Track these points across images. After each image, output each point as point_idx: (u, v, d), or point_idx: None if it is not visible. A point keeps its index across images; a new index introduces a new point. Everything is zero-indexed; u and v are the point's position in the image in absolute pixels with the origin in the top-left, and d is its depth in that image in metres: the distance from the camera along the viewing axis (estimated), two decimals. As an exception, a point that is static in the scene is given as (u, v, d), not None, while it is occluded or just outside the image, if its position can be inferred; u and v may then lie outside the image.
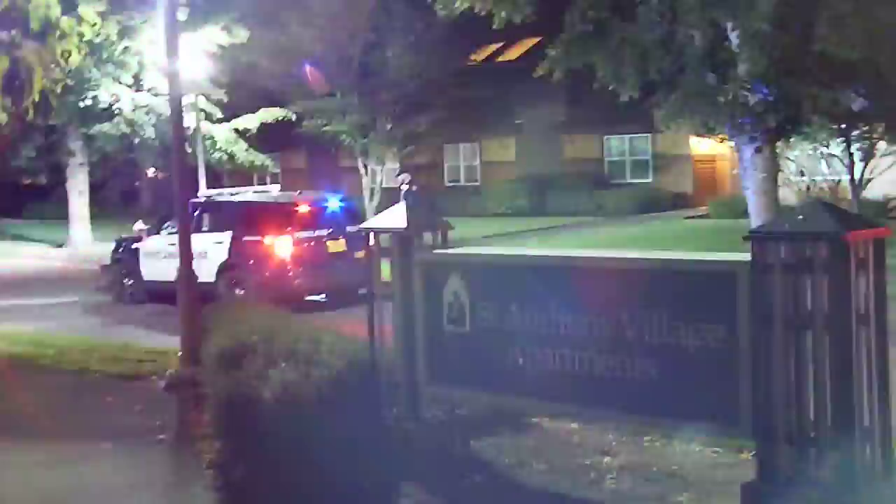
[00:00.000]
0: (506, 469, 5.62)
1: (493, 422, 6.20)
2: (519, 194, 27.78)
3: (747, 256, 4.42)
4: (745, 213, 12.69)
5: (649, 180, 27.72)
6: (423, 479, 5.39)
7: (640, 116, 21.48)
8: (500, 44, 29.07)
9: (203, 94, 20.61)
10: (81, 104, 20.95)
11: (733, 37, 10.60)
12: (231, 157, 23.47)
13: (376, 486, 5.15)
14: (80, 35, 17.72)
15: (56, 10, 16.36)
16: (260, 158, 24.27)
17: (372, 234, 6.45)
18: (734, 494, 4.45)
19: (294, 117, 24.42)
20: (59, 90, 18.54)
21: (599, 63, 11.59)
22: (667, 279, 4.84)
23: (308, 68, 23.52)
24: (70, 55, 17.86)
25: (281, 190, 16.44)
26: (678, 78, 11.06)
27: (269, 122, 23.90)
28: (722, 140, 17.76)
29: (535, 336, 5.29)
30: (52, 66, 16.08)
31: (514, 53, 29.15)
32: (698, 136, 22.46)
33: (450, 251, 6.17)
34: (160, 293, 12.82)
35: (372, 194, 25.33)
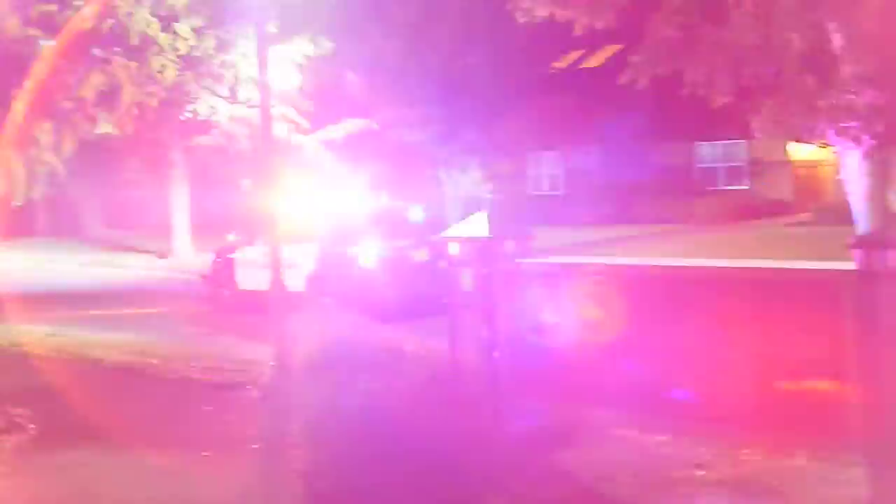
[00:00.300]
0: (591, 481, 5.50)
1: (577, 433, 6.10)
2: (604, 202, 27.36)
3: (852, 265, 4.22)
4: (850, 220, 12.08)
5: (745, 187, 26.85)
6: (506, 490, 5.34)
7: (733, 122, 20.79)
8: (583, 51, 28.74)
9: (292, 106, 21.12)
10: (182, 117, 21.81)
11: (837, 38, 10.10)
12: (318, 167, 23.94)
13: (459, 496, 5.15)
14: (177, 50, 18.41)
15: (155, 27, 17.09)
16: (344, 169, 24.67)
17: (455, 243, 6.46)
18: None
19: (378, 127, 24.77)
20: (154, 104, 19.30)
21: (689, 69, 11.25)
22: (771, 287, 4.66)
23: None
24: (166, 69, 18.57)
25: (364, 200, 16.69)
26: (776, 82, 10.61)
27: (354, 132, 24.30)
28: (824, 145, 17.02)
29: (623, 346, 5.19)
30: (146, 80, 16.73)
31: (596, 60, 28.75)
32: (798, 141, 21.64)
33: (532, 260, 6.13)
34: (255, 303, 13.19)
35: (454, 203, 25.45)
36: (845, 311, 4.16)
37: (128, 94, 4.20)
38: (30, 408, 7.63)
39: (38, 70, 3.38)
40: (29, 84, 3.31)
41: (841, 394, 4.36)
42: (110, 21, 3.83)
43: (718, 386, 4.86)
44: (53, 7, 3.64)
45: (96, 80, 3.70)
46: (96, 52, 3.89)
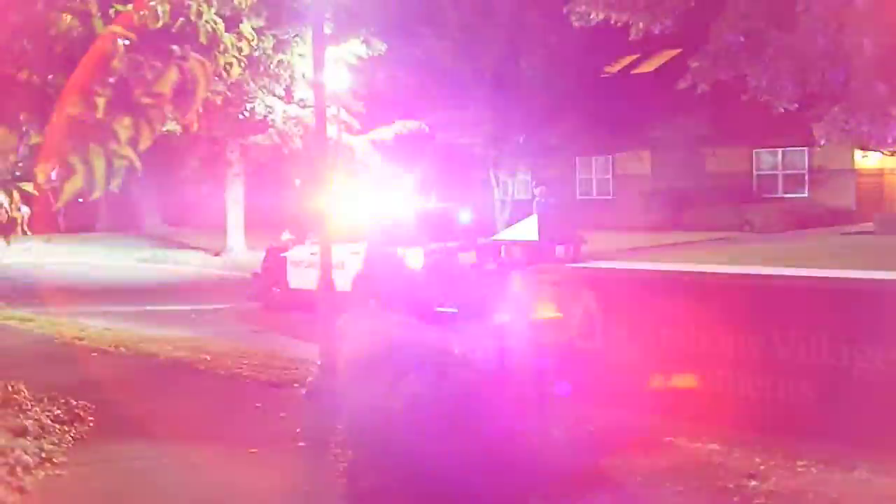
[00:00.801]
0: (638, 488, 5.42)
1: (624, 439, 6.01)
2: (654, 208, 26.99)
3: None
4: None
5: (805, 195, 26.21)
6: (552, 495, 5.29)
7: (794, 129, 20.38)
8: (636, 56, 28.43)
9: (343, 106, 21.31)
10: (240, 116, 22.15)
11: None
12: (368, 167, 24.09)
13: (504, 498, 5.11)
14: (240, 50, 18.72)
15: (221, 26, 17.38)
16: (394, 170, 24.75)
17: (504, 246, 6.43)
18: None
19: (427, 129, 24.84)
20: (219, 102, 19.74)
21: (753, 74, 11.02)
22: (831, 297, 4.54)
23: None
24: (231, 68, 18.88)
25: (412, 201, 16.71)
26: (843, 89, 10.33)
27: (403, 133, 24.38)
28: (893, 153, 16.52)
29: (671, 353, 5.10)
30: (216, 78, 17.08)
31: (650, 65, 28.43)
32: (863, 149, 21.09)
33: (582, 265, 6.07)
34: (305, 301, 13.34)
35: (503, 206, 25.38)
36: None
37: (202, 91, 4.32)
38: (89, 400, 7.81)
39: (118, 66, 3.51)
40: (109, 79, 3.46)
41: None
42: (181, 20, 3.92)
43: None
44: (130, 7, 3.76)
45: (173, 76, 3.83)
46: (175, 48, 4.01)
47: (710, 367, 4.99)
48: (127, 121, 3.58)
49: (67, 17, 3.31)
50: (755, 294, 4.95)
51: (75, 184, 3.42)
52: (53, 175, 3.51)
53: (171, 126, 3.52)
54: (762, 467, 5.49)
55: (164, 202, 37.11)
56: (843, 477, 5.18)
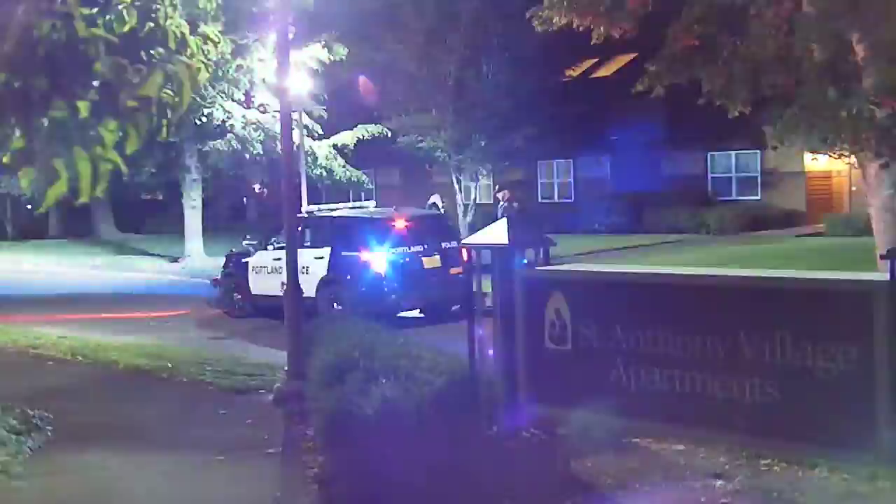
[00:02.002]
0: (608, 490, 5.49)
1: (594, 442, 6.07)
2: (614, 211, 27.35)
3: (880, 276, 4.21)
4: (863, 231, 11.99)
5: (758, 197, 26.76)
6: (523, 499, 5.33)
7: (747, 132, 20.77)
8: (595, 59, 28.79)
9: (305, 111, 21.22)
10: (198, 122, 21.91)
11: (859, 49, 10.07)
12: (329, 172, 24.01)
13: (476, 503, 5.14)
14: (206, 53, 18.58)
15: (186, 29, 17.18)
16: (356, 174, 24.74)
17: (473, 250, 6.45)
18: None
19: (389, 133, 24.84)
20: (184, 108, 19.50)
21: (707, 79, 11.24)
22: (792, 298, 4.65)
23: (361, 79, 23.95)
24: (199, 73, 18.73)
25: (376, 206, 16.75)
26: (794, 93, 10.58)
27: (365, 137, 24.37)
28: (840, 156, 16.91)
29: (641, 355, 5.17)
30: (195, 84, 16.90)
31: (609, 69, 28.80)
32: (813, 152, 21.54)
33: (552, 268, 6.11)
34: (268, 307, 13.23)
35: (466, 210, 25.49)
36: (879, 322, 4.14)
37: (188, 94, 4.22)
38: (46, 409, 7.65)
39: (101, 69, 3.42)
40: (93, 83, 3.37)
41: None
42: (149, 24, 3.83)
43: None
44: (95, 10, 3.67)
45: (158, 79, 3.74)
46: (161, 51, 3.92)
47: (674, 368, 5.06)
48: (112, 125, 3.53)
49: (48, 22, 3.25)
50: (712, 295, 5.05)
51: (59, 189, 3.36)
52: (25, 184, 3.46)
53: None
54: (727, 467, 5.62)
55: (118, 208, 36.47)
56: (806, 475, 5.34)
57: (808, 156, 24.30)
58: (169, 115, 3.65)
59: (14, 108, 3.41)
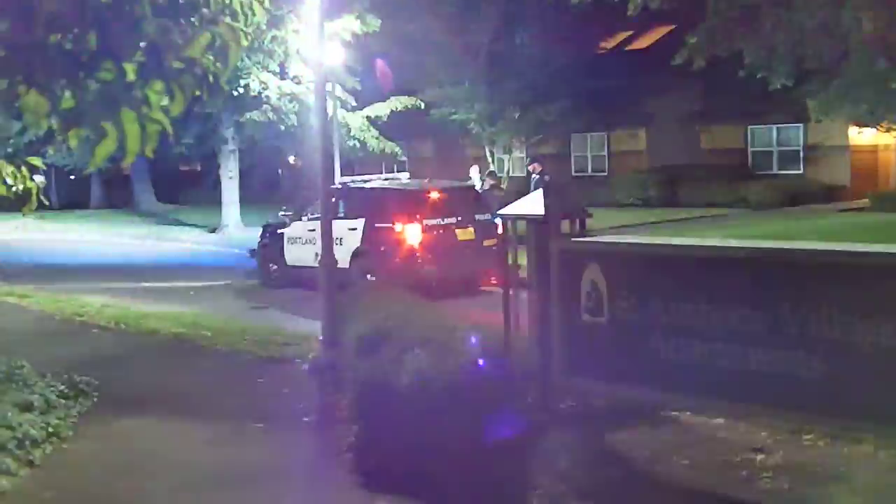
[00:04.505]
0: (644, 463, 5.47)
1: (629, 415, 6.05)
2: (649, 185, 26.95)
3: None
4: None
5: (800, 172, 26.21)
6: (556, 471, 5.33)
7: (789, 105, 20.30)
8: (631, 32, 28.28)
9: (339, 83, 21.18)
10: (234, 92, 22.01)
11: None
12: (363, 144, 23.99)
13: (509, 476, 5.15)
14: (249, 17, 18.62)
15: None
16: (390, 146, 24.70)
17: (506, 222, 6.42)
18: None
19: (423, 106, 24.73)
20: (227, 74, 19.63)
21: (749, 50, 10.99)
22: (837, 271, 4.56)
23: (379, 63, 23.78)
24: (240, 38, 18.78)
25: (409, 178, 16.68)
26: (841, 64, 10.32)
27: (399, 109, 24.28)
28: (889, 129, 16.51)
29: (680, 328, 5.11)
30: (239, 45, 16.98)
31: (645, 42, 28.26)
32: (859, 125, 21.04)
33: (589, 239, 6.07)
34: (302, 278, 13.33)
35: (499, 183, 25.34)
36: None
37: (234, 56, 4.23)
38: (92, 376, 7.83)
39: (148, 30, 3.45)
40: (140, 44, 3.41)
41: None
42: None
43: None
44: None
45: (204, 41, 3.76)
46: (206, 12, 3.93)
47: (714, 341, 5.01)
48: (158, 85, 3.57)
49: None
50: (754, 267, 4.96)
51: (108, 147, 3.41)
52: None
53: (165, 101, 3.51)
54: (768, 441, 5.54)
55: (157, 179, 36.96)
56: (851, 450, 5.24)
57: (852, 129, 23.73)
58: (214, 77, 3.68)
59: (64, 69, 3.45)
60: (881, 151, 25.46)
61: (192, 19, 3.65)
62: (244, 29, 4.05)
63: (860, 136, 24.51)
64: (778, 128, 26.52)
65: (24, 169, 4.47)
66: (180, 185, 39.28)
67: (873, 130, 22.40)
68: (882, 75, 10.06)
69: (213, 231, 25.69)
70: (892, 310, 4.27)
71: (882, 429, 4.56)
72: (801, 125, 25.26)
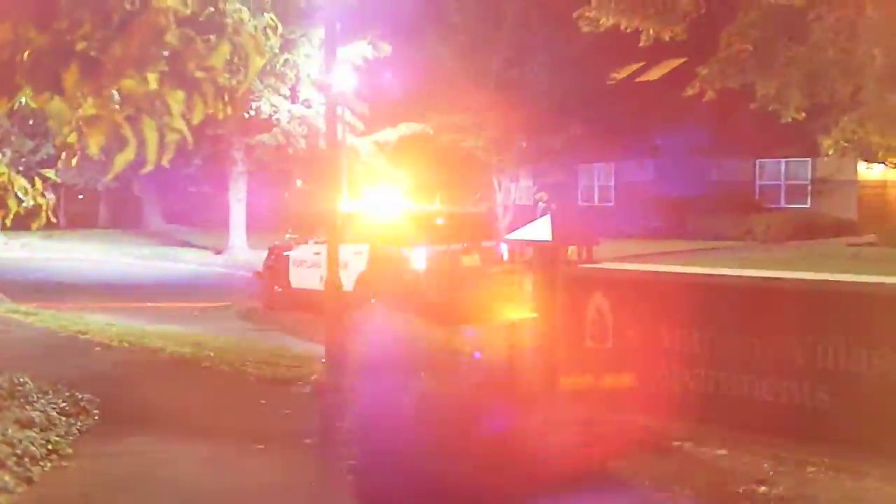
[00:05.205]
0: (646, 492, 5.41)
1: (631, 442, 6.00)
2: (656, 216, 26.97)
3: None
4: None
5: (807, 206, 26.24)
6: (561, 496, 5.28)
7: (798, 139, 20.34)
8: (642, 63, 28.48)
9: (348, 108, 21.32)
10: (245, 115, 22.18)
11: None
12: (370, 169, 24.07)
13: (512, 500, 5.11)
14: (264, 40, 18.79)
15: (245, 15, 17.34)
16: (397, 172, 24.75)
17: (514, 247, 6.43)
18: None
19: (431, 132, 24.85)
20: (241, 94, 19.73)
21: (761, 83, 11.05)
22: (845, 302, 4.55)
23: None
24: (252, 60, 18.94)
25: (417, 203, 16.67)
26: (853, 99, 10.36)
27: (407, 135, 24.39)
28: (897, 165, 16.46)
29: (685, 356, 5.10)
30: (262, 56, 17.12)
31: (655, 74, 28.47)
32: (870, 160, 21.10)
33: (596, 266, 6.07)
34: (307, 301, 13.33)
35: (505, 211, 25.40)
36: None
37: (254, 67, 4.28)
38: (94, 393, 7.79)
39: (171, 39, 3.51)
40: (163, 52, 3.47)
41: None
42: (210, 9, 3.92)
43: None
44: None
45: (225, 50, 3.81)
46: (228, 21, 4.00)
47: (719, 370, 4.98)
48: (180, 94, 3.61)
49: None
50: (762, 297, 4.95)
51: (127, 156, 3.44)
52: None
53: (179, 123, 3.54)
54: (771, 473, 5.48)
55: (165, 200, 37.12)
56: (855, 484, 5.17)
57: (861, 165, 23.79)
58: (235, 85, 3.72)
59: (88, 75, 3.49)
60: (889, 187, 25.53)
61: (213, 33, 3.70)
62: (258, 48, 4.11)
63: (869, 172, 24.59)
64: (786, 161, 26.61)
65: (37, 183, 4.50)
66: (188, 206, 39.45)
67: (882, 166, 22.46)
68: (893, 110, 10.09)
69: (219, 252, 25.74)
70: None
71: None
72: (809, 159, 25.34)
